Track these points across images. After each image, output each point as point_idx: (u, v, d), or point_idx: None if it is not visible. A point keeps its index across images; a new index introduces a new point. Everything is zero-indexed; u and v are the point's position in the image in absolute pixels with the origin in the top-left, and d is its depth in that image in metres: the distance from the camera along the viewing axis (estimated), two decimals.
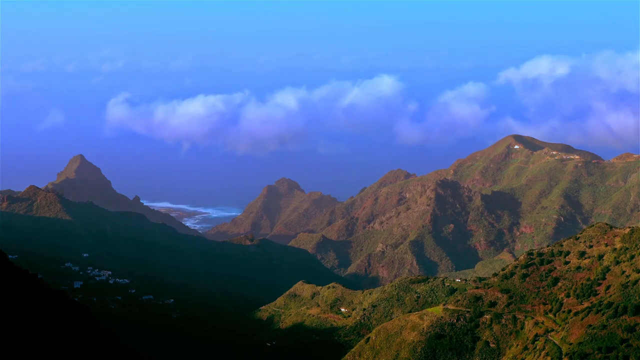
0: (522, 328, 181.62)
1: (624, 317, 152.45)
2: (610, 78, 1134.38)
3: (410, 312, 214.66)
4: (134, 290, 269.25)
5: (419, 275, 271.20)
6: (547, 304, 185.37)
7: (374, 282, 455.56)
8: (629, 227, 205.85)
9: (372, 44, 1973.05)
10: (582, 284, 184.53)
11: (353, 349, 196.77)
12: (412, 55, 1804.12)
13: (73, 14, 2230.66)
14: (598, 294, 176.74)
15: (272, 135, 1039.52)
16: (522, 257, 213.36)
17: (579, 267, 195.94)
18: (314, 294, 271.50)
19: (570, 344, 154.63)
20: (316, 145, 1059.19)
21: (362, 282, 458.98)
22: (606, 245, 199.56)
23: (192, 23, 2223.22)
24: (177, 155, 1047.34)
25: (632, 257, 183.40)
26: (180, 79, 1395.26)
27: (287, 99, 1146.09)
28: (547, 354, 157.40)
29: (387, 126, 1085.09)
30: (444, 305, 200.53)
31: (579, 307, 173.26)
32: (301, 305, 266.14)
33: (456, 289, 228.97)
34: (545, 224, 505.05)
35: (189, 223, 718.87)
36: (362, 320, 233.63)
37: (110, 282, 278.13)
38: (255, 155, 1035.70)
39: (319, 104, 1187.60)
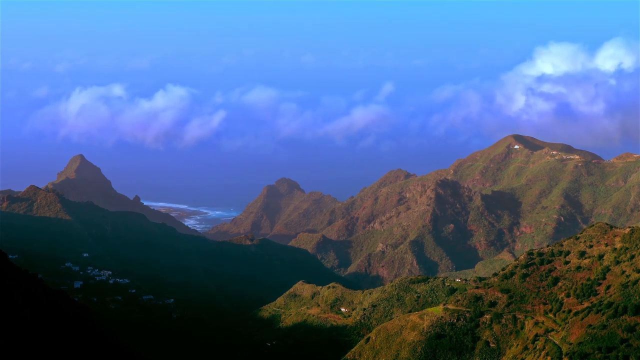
0: (522, 328, 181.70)
1: (624, 317, 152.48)
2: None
3: (410, 312, 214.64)
4: (134, 290, 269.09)
5: (419, 275, 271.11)
6: (547, 304, 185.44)
7: (374, 282, 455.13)
8: (629, 227, 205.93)
9: (338, 41, 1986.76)
10: (582, 283, 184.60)
11: (353, 349, 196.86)
12: (375, 54, 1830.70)
13: (41, 13, 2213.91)
14: (598, 293, 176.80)
15: (143, 129, 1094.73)
16: (522, 257, 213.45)
17: (579, 267, 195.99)
18: (314, 294, 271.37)
19: (570, 343, 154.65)
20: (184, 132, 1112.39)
21: (362, 282, 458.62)
22: (606, 245, 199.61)
23: (157, 23, 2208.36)
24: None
25: (632, 257, 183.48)
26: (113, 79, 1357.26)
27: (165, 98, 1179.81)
28: (547, 354, 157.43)
29: (268, 120, 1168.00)
30: (444, 305, 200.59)
31: (579, 307, 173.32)
32: (301, 305, 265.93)
33: (456, 289, 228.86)
34: (545, 224, 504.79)
35: (189, 223, 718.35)
36: (362, 320, 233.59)
37: (110, 282, 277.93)
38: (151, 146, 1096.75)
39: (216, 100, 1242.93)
